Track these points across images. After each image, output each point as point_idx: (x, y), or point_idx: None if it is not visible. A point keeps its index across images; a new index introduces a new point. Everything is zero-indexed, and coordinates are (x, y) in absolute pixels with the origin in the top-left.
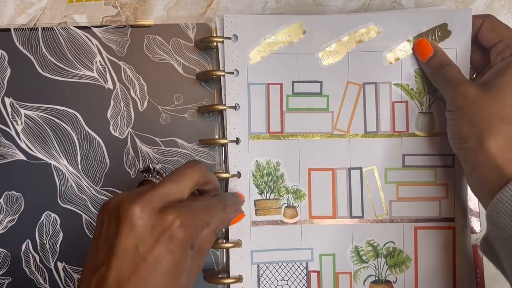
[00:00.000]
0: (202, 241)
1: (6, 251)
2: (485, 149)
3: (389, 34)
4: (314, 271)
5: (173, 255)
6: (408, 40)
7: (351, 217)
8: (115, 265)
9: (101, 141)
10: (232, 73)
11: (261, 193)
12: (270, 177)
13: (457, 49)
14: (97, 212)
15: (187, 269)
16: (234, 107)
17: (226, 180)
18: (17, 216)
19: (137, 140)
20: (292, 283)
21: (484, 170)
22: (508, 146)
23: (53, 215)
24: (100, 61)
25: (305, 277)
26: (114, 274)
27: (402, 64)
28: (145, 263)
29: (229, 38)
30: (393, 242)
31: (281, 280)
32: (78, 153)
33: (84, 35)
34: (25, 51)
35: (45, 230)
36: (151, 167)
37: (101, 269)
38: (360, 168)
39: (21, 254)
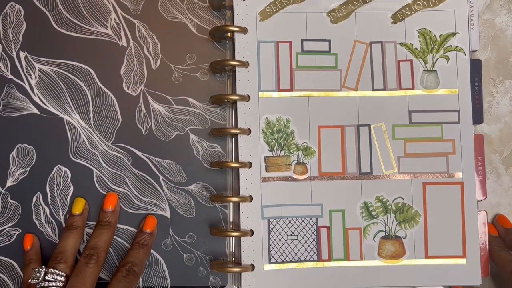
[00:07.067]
0: None
1: (17, 203)
2: None
3: None
4: (324, 227)
5: None
6: (409, 3)
7: (360, 173)
8: None
9: (113, 98)
10: (243, 30)
11: (271, 150)
12: (281, 134)
13: (455, 11)
14: (108, 168)
15: None
16: (244, 64)
17: (236, 137)
18: (28, 168)
19: (149, 97)
20: (302, 237)
21: None
22: None
23: (64, 169)
24: (115, 19)
25: (315, 232)
26: None
27: (406, 25)
28: None
29: None
30: (402, 198)
31: (291, 235)
32: (91, 109)
33: None
34: (41, 6)
35: (56, 183)
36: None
37: None
38: (369, 125)
39: (32, 206)
